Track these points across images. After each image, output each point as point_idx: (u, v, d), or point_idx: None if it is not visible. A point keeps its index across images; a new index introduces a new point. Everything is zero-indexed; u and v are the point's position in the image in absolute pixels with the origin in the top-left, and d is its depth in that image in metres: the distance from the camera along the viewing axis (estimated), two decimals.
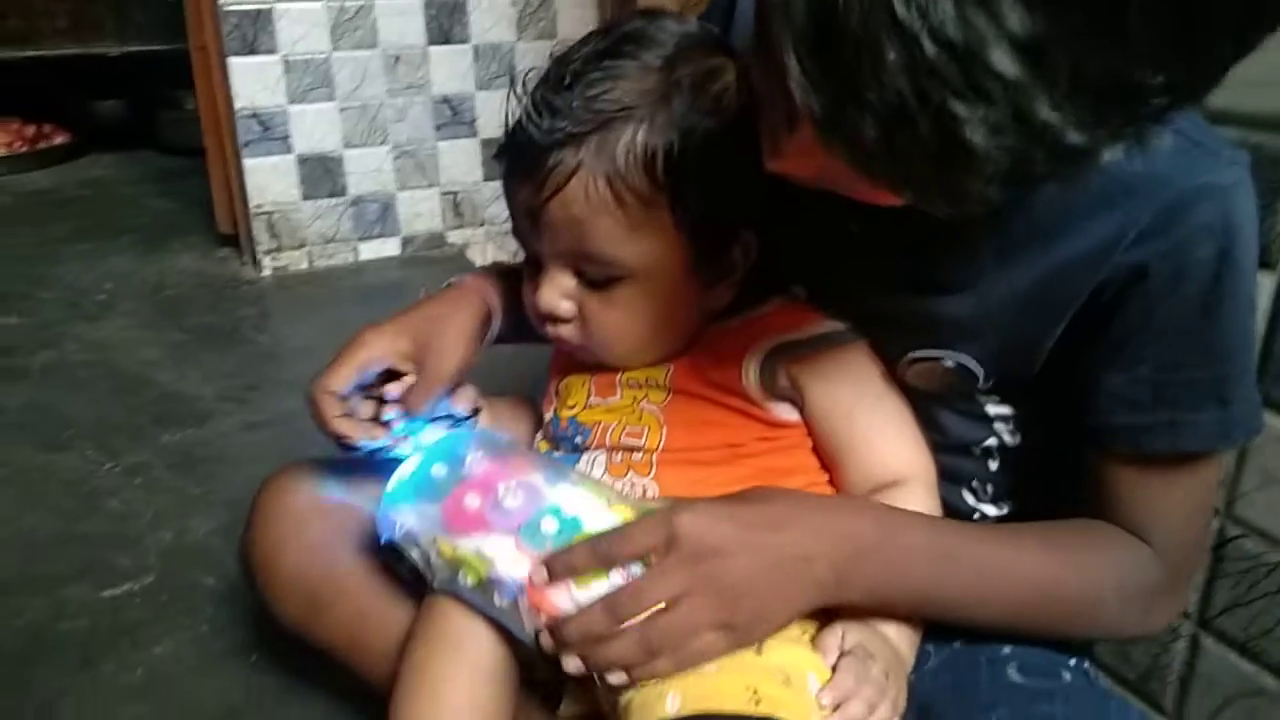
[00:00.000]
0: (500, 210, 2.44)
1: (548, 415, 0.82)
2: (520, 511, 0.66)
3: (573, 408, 0.79)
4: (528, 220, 0.70)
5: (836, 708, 0.60)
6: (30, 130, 3.03)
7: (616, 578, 0.63)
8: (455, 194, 2.17)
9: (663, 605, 0.61)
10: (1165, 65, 0.42)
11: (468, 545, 0.67)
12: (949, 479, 0.75)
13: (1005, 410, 0.72)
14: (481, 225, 2.21)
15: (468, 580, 0.67)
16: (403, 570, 0.72)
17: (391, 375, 0.81)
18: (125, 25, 3.01)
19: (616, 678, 0.63)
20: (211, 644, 1.06)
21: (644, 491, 0.73)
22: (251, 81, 1.95)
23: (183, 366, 1.70)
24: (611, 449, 0.75)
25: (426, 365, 0.79)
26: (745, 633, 0.62)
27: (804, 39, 0.44)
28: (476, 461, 0.70)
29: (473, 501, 0.68)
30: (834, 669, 0.64)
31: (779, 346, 0.72)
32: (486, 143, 2.15)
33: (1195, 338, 0.62)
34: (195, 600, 1.11)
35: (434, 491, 0.70)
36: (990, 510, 0.78)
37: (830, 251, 0.72)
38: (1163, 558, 0.68)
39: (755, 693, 0.60)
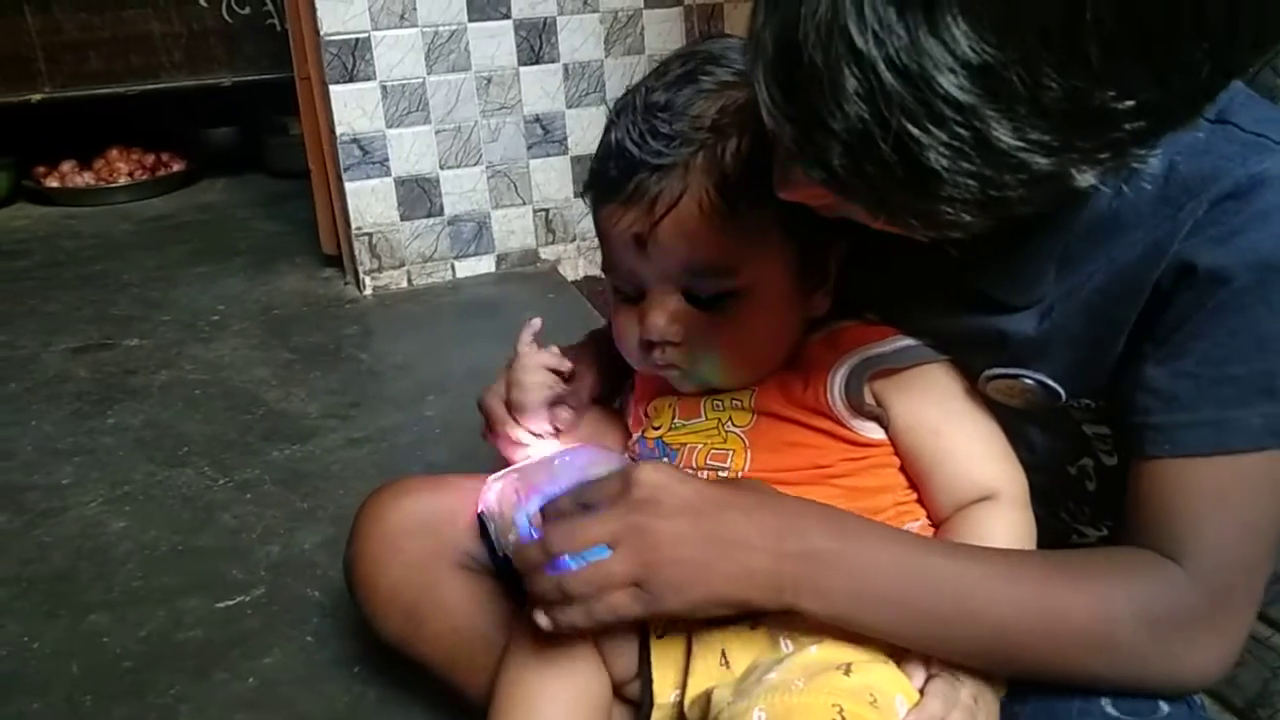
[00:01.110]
0: (591, 226, 2.45)
1: (635, 435, 0.83)
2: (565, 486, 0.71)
3: (659, 428, 0.80)
4: (634, 246, 0.71)
5: None
6: (150, 159, 3.19)
7: None
8: (547, 211, 2.21)
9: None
10: (1133, 87, 0.42)
11: (519, 515, 0.73)
12: (1042, 498, 0.73)
13: (1102, 429, 0.70)
14: (573, 241, 2.25)
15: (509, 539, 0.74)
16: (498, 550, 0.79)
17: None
18: (236, 57, 3.15)
19: (541, 620, 0.64)
20: (317, 654, 1.10)
21: None
22: (351, 108, 2.02)
23: (290, 385, 1.77)
24: (698, 469, 0.76)
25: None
26: (656, 598, 0.61)
27: (772, 70, 0.46)
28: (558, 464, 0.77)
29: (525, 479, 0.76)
30: (922, 692, 0.63)
31: (864, 361, 0.72)
32: (577, 160, 2.18)
33: (1245, 330, 0.59)
34: (302, 612, 1.16)
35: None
36: (1090, 532, 0.76)
37: (899, 272, 0.72)
38: (1202, 582, 0.61)
39: (841, 712, 0.60)
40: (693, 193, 0.68)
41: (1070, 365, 0.67)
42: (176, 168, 3.20)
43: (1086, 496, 0.74)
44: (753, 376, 0.76)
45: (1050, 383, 0.67)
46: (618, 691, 0.75)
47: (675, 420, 0.79)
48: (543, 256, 2.24)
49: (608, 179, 0.71)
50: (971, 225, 0.48)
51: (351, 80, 2.00)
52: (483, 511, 0.81)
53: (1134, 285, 0.62)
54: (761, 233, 0.69)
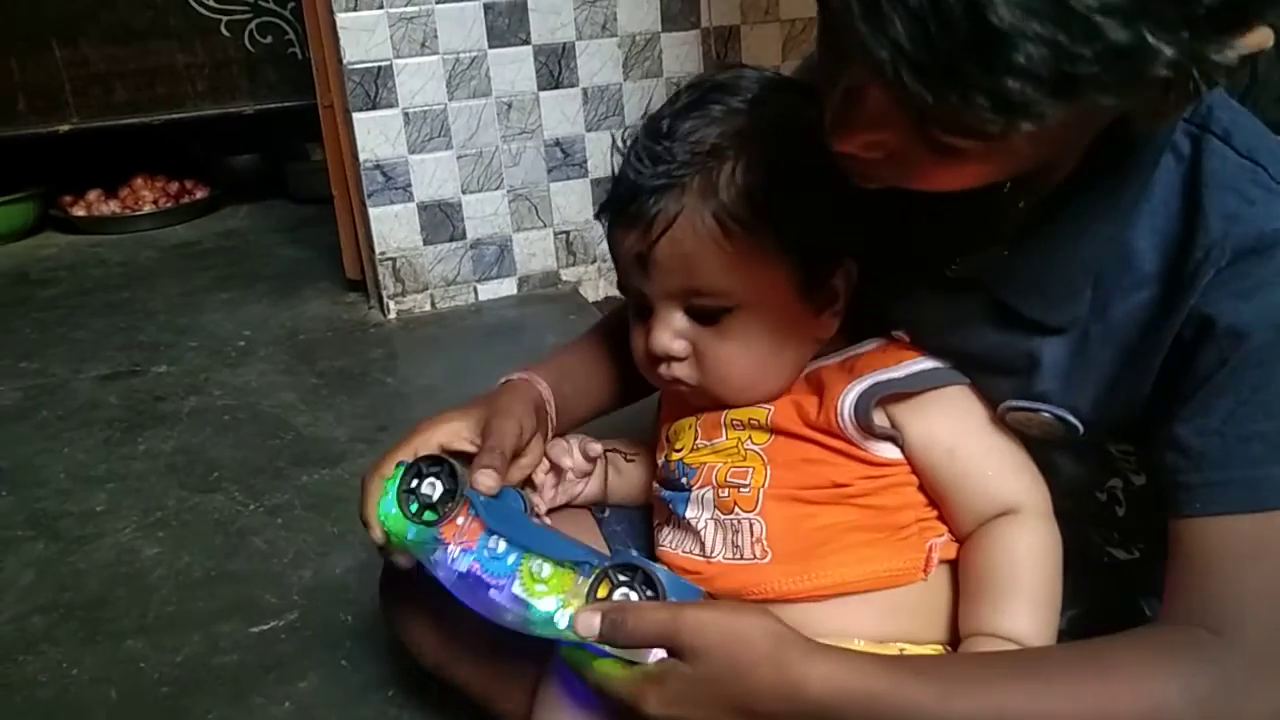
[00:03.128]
0: None
1: (660, 460, 0.84)
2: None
3: (680, 450, 0.81)
4: (636, 265, 0.73)
5: None
6: (174, 187, 3.23)
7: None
8: (568, 233, 2.23)
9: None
10: None
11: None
12: (1072, 524, 0.73)
13: (1127, 448, 0.70)
14: (594, 262, 2.26)
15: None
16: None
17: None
18: (258, 86, 3.19)
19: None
20: (351, 678, 1.11)
21: (750, 527, 0.74)
22: (374, 134, 2.04)
23: (317, 409, 1.78)
24: (718, 486, 0.77)
25: (486, 440, 0.80)
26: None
27: None
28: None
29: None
30: None
31: (875, 385, 0.73)
32: (597, 182, 2.20)
33: (1269, 386, 0.59)
34: (335, 635, 1.17)
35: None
36: (1121, 554, 0.76)
37: (926, 290, 0.73)
38: (1245, 648, 0.58)
39: None
40: (688, 214, 0.70)
41: (1094, 401, 0.66)
42: (200, 195, 3.24)
43: (1116, 522, 0.74)
44: (759, 393, 0.77)
45: (1070, 418, 0.67)
46: None
47: (698, 441, 0.80)
48: (564, 278, 2.26)
49: (614, 201, 0.75)
50: (1045, 113, 0.46)
51: (374, 108, 2.03)
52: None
53: (1159, 324, 0.62)
54: (759, 252, 0.71)
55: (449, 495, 0.75)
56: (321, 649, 1.16)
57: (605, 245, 2.32)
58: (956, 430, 0.73)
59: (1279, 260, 0.58)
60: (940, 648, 0.72)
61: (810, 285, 0.74)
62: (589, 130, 2.17)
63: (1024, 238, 0.67)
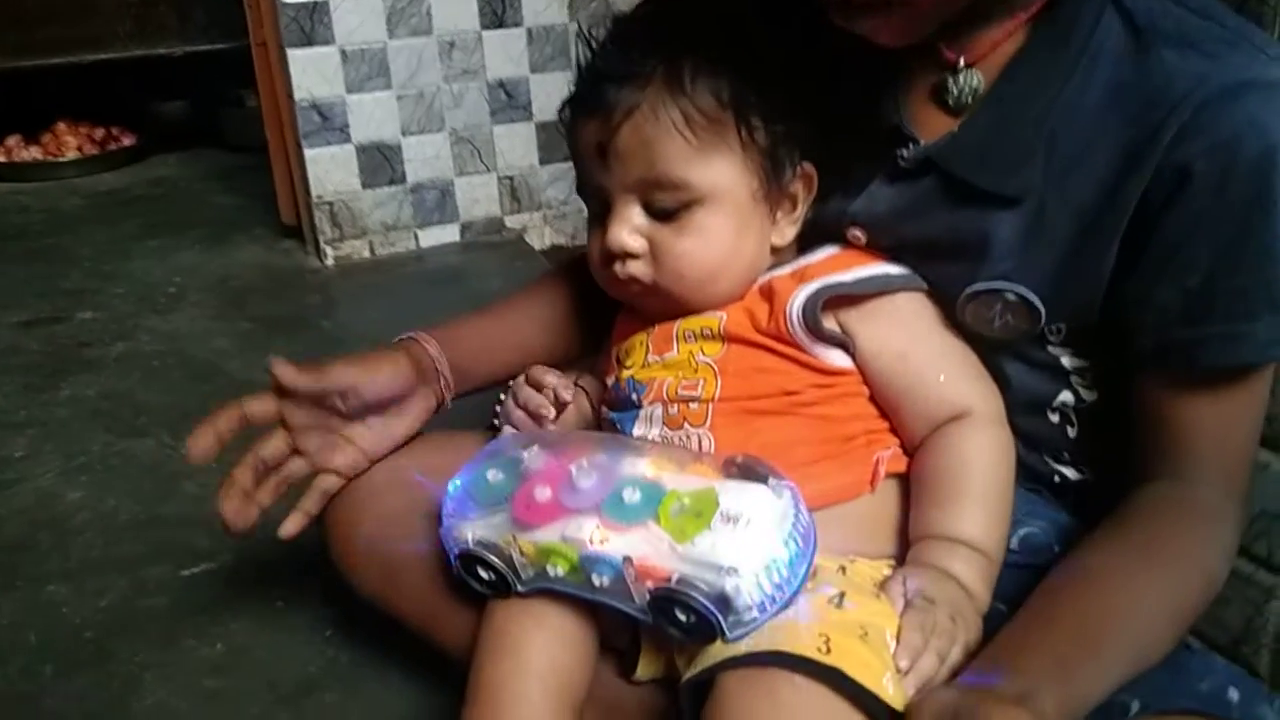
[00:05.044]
0: (557, 193, 2.47)
1: (609, 381, 0.82)
2: (597, 490, 0.66)
3: (630, 367, 0.79)
4: (597, 157, 0.73)
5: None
6: (100, 133, 3.11)
7: (718, 523, 0.61)
8: (512, 179, 2.18)
9: None
10: None
11: (549, 535, 0.67)
12: (1023, 442, 0.73)
13: (1080, 362, 0.71)
14: (539, 209, 2.21)
15: (559, 570, 0.67)
16: (480, 586, 0.72)
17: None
18: (187, 26, 3.07)
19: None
20: (287, 620, 1.07)
21: (699, 443, 0.73)
22: (310, 73, 1.97)
23: (251, 354, 1.73)
24: (668, 401, 0.75)
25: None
26: None
27: None
28: (534, 457, 0.71)
29: (543, 493, 0.68)
30: (901, 623, 0.62)
31: (822, 288, 0.72)
32: (542, 126, 2.15)
33: (1245, 242, 0.60)
34: (272, 578, 1.13)
35: (496, 496, 0.71)
36: (1070, 473, 0.76)
37: (881, 182, 0.73)
38: (1236, 491, 0.66)
39: (828, 642, 0.59)
40: (651, 103, 0.69)
41: (1054, 277, 0.66)
42: (127, 142, 3.12)
43: (1067, 442, 0.75)
44: (713, 293, 0.75)
45: (1032, 297, 0.67)
46: (605, 639, 0.74)
47: (649, 357, 0.78)
48: (508, 225, 2.20)
49: (578, 93, 0.75)
50: None
51: (310, 44, 1.95)
52: (471, 551, 0.71)
53: (1122, 190, 0.62)
54: (718, 147, 0.71)
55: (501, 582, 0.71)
56: (256, 591, 1.12)
57: (551, 192, 2.29)
58: (908, 335, 0.72)
59: (1248, 109, 0.58)
60: (890, 562, 0.70)
61: (770, 183, 0.73)
62: (534, 72, 2.11)
63: (979, 109, 0.68)
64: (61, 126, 3.07)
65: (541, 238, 2.22)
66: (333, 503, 0.85)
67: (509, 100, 2.12)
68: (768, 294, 0.74)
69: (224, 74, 2.96)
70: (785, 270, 0.75)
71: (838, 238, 0.76)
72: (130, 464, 1.40)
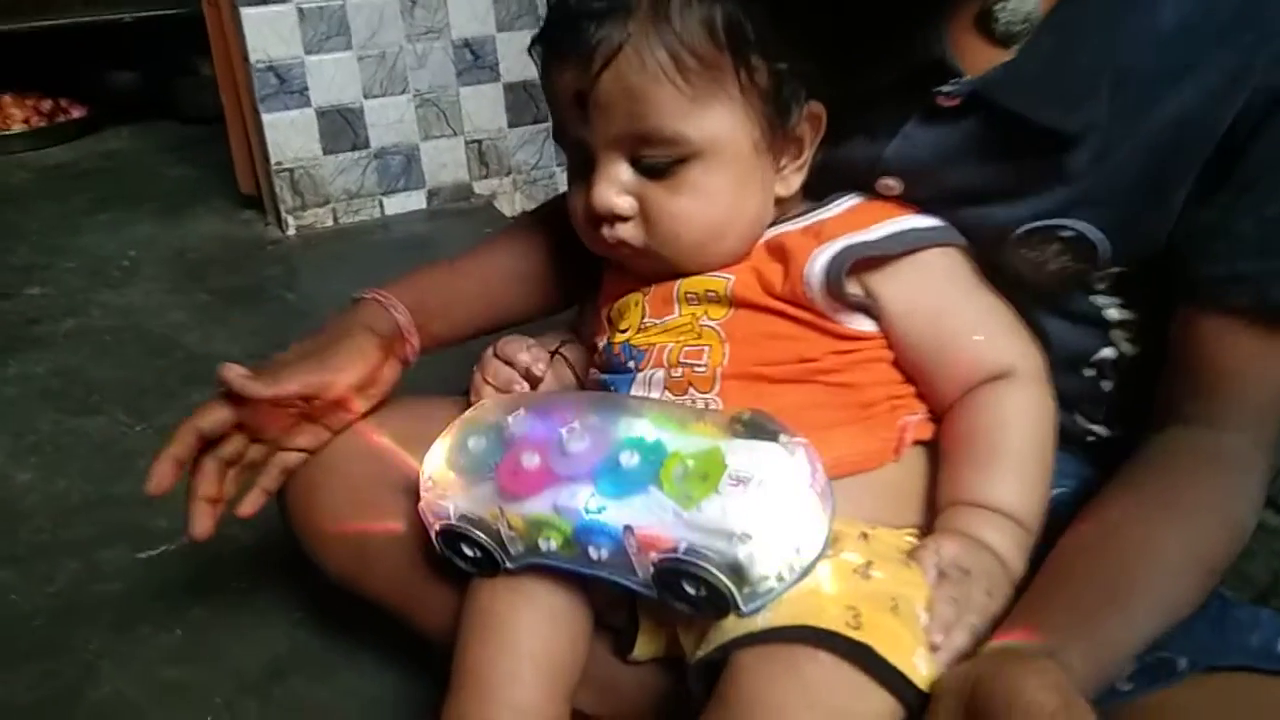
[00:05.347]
0: (528, 157, 2.39)
1: (600, 344, 0.75)
2: (591, 454, 0.59)
3: (625, 331, 0.72)
4: (575, 107, 0.64)
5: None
6: (48, 105, 2.98)
7: (727, 486, 0.55)
8: (480, 142, 2.10)
9: None
10: None
11: (540, 506, 0.60)
12: (1058, 402, 0.67)
13: (1127, 315, 0.66)
14: (509, 174, 2.14)
15: (552, 543, 0.60)
16: (465, 564, 0.65)
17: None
18: None
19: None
20: (253, 602, 1.01)
21: (707, 408, 0.66)
22: (266, 33, 1.88)
23: (209, 327, 1.65)
24: (670, 366, 0.68)
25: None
26: None
27: None
28: (519, 421, 0.63)
29: (531, 460, 0.61)
30: (933, 595, 0.57)
31: (846, 249, 0.65)
32: (510, 87, 2.07)
33: None
34: (234, 560, 1.06)
35: (479, 466, 0.63)
36: (1102, 431, 0.72)
37: (916, 123, 0.65)
38: (1260, 431, 0.62)
39: (857, 615, 0.53)
40: (635, 44, 0.61)
41: (1120, 217, 0.61)
42: (77, 114, 2.99)
43: (1102, 397, 0.71)
44: (712, 256, 0.69)
45: (1094, 234, 0.62)
46: (601, 617, 0.68)
47: (646, 320, 0.72)
48: (477, 191, 2.13)
49: (550, 29, 0.67)
50: None
51: (265, 3, 1.86)
52: (454, 526, 0.65)
53: (1207, 121, 0.57)
54: (715, 94, 0.63)
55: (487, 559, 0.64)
56: (217, 573, 1.05)
57: (521, 155, 2.22)
58: (941, 293, 0.66)
59: None
60: (913, 531, 0.65)
61: (773, 130, 0.66)
62: (500, 30, 2.03)
63: (1037, 37, 0.61)
64: (7, 98, 2.93)
65: (512, 204, 2.14)
66: (294, 475, 0.78)
67: (475, 60, 2.03)
68: (779, 253, 0.68)
69: (178, 43, 2.84)
70: (797, 225, 0.69)
71: (864, 188, 0.70)
72: (82, 443, 1.32)
